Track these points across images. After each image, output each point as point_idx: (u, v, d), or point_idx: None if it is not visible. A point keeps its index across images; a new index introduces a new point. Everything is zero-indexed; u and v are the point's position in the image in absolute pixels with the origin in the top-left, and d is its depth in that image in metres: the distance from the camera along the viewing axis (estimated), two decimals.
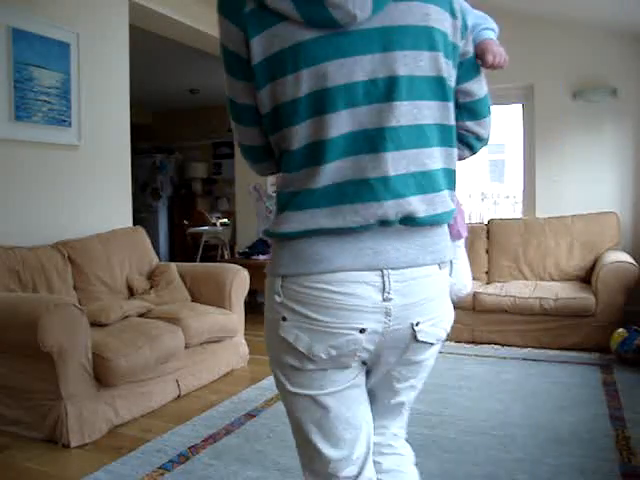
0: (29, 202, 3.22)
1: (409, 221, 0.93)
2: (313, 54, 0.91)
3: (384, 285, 0.93)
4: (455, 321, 3.62)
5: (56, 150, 3.37)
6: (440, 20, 0.96)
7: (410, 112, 0.93)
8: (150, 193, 7.86)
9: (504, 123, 9.78)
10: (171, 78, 6.79)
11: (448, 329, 1.06)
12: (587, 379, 3.22)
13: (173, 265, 3.66)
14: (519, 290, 4.00)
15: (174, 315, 3.08)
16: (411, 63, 0.93)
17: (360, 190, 0.92)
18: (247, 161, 1.14)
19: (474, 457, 2.28)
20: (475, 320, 4.06)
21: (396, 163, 0.92)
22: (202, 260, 7.20)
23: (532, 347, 3.87)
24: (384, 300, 0.93)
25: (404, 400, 1.12)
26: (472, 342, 4.05)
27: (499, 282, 4.37)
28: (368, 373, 1.07)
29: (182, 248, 8.10)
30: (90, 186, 3.60)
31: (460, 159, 1.12)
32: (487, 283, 4.45)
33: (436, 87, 0.96)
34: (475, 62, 1.09)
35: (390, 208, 0.91)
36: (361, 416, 1.05)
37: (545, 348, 3.83)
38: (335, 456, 1.03)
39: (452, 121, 1.01)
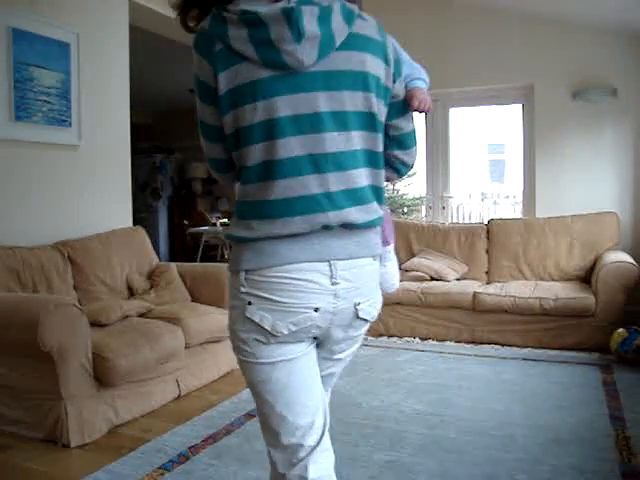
0: (29, 202, 3.22)
1: (349, 226, 1.16)
2: (267, 89, 1.10)
3: (332, 273, 1.15)
4: (455, 321, 3.61)
5: (56, 150, 3.37)
6: (374, 66, 1.16)
7: (346, 140, 1.15)
8: (150, 193, 7.86)
9: (504, 123, 9.78)
10: (171, 78, 6.79)
11: (379, 310, 1.28)
12: (587, 379, 3.22)
13: (173, 265, 3.66)
14: (519, 290, 4.00)
15: (174, 315, 3.08)
16: (347, 101, 1.14)
17: (308, 203, 1.12)
18: (213, 172, 1.35)
19: (474, 457, 2.28)
20: (475, 320, 4.06)
21: (336, 181, 1.14)
22: (202, 260, 7.20)
23: (532, 347, 3.87)
24: (332, 284, 1.15)
25: (335, 371, 1.33)
26: (472, 342, 4.05)
27: (499, 282, 4.37)
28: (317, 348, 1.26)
29: (182, 248, 8.10)
30: (90, 186, 3.60)
31: (388, 180, 1.38)
32: (487, 283, 4.45)
33: (367, 121, 1.17)
34: (404, 104, 1.29)
35: (333, 217, 1.13)
36: (318, 386, 1.23)
37: (545, 348, 3.83)
38: (301, 423, 1.18)
39: (380, 148, 1.22)
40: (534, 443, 2.39)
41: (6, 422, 2.56)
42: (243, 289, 1.16)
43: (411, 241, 4.84)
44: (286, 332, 1.14)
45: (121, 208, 3.86)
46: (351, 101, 1.14)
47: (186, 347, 3.03)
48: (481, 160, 11.82)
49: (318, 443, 1.19)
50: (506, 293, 3.97)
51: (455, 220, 7.56)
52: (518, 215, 7.63)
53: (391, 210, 7.44)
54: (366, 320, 1.23)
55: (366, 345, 4.07)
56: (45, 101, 3.24)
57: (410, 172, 7.68)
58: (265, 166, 1.13)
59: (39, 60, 3.19)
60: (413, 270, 4.50)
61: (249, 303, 1.15)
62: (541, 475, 2.12)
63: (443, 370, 3.46)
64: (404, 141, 1.33)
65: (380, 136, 1.21)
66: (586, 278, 4.22)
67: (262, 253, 1.14)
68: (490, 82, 4.92)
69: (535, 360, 3.61)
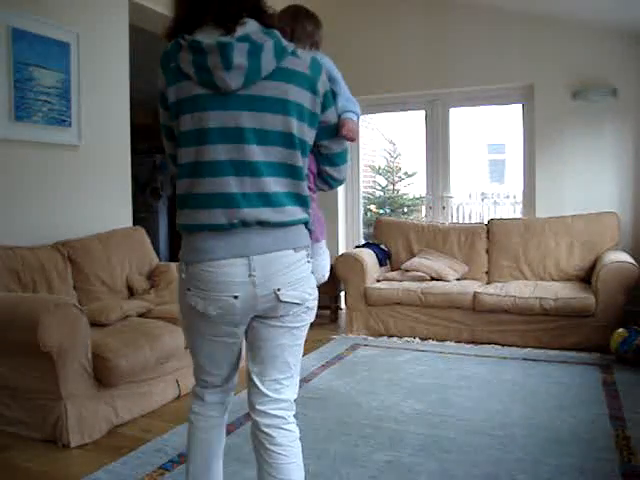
0: (29, 202, 3.22)
1: (264, 224, 1.39)
2: (202, 104, 1.37)
3: (249, 266, 1.39)
4: (455, 321, 3.62)
5: (56, 150, 3.37)
6: (298, 95, 1.40)
7: (264, 152, 1.39)
8: (150, 193, 7.85)
9: (504, 123, 9.77)
10: None
11: (313, 293, 1.52)
12: (587, 379, 3.22)
13: (173, 265, 3.66)
14: (519, 290, 4.00)
15: (174, 315, 3.07)
16: (268, 121, 1.38)
17: (227, 199, 1.37)
18: (169, 165, 1.59)
19: (474, 457, 2.28)
20: (475, 320, 4.06)
21: (251, 185, 1.38)
22: None
23: (532, 347, 3.87)
24: (249, 276, 1.40)
25: (285, 342, 1.52)
26: (472, 342, 4.05)
27: (499, 282, 4.37)
28: (252, 330, 1.52)
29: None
30: (90, 186, 3.60)
31: (322, 190, 1.68)
32: (487, 283, 4.45)
33: (284, 139, 1.40)
34: (334, 128, 1.55)
35: (247, 214, 1.37)
36: (234, 354, 1.62)
37: (545, 348, 3.83)
38: (216, 373, 1.62)
39: (299, 163, 1.43)
40: (534, 443, 2.39)
41: (6, 422, 2.56)
42: (184, 276, 1.45)
43: (411, 241, 4.84)
44: (215, 314, 1.43)
45: (121, 208, 3.86)
46: (271, 121, 1.38)
47: (186, 347, 3.03)
48: (481, 160, 11.81)
49: (224, 384, 1.66)
50: (506, 293, 3.97)
51: (455, 220, 7.56)
52: (518, 215, 7.63)
53: (391, 210, 7.45)
54: (294, 303, 1.46)
55: (366, 345, 4.07)
56: (45, 101, 3.24)
57: (410, 172, 7.70)
58: (194, 165, 1.39)
59: (39, 60, 3.19)
60: (413, 270, 4.50)
61: (188, 289, 1.44)
62: (541, 475, 2.12)
63: (443, 370, 3.46)
64: (333, 159, 1.59)
65: (299, 153, 1.43)
66: (586, 278, 4.22)
67: (195, 249, 1.42)
68: (490, 82, 4.92)
69: (535, 360, 3.61)
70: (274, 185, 1.40)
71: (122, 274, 3.45)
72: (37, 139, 3.23)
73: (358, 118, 1.61)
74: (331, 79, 1.51)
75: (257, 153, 1.38)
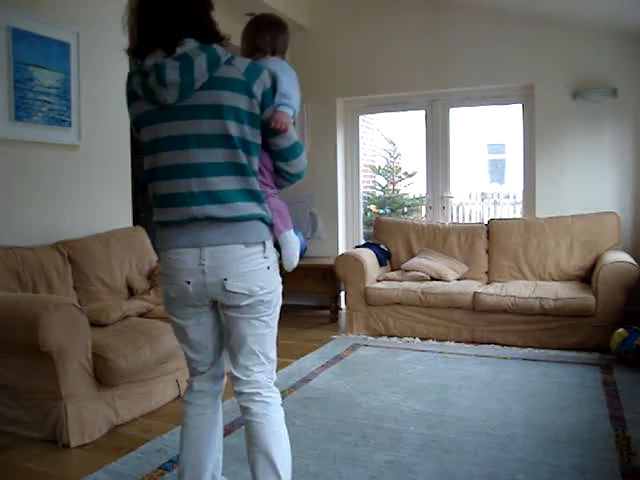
0: (29, 202, 3.22)
1: (214, 219, 1.57)
2: (150, 118, 1.59)
3: (200, 255, 1.58)
4: (455, 321, 3.62)
5: (56, 150, 3.38)
6: (233, 100, 1.55)
7: (206, 155, 1.56)
8: None
9: (504, 123, 9.77)
10: None
11: (266, 287, 1.63)
12: (587, 379, 3.22)
13: None
14: (519, 290, 4.00)
15: None
16: (206, 126, 1.55)
17: (178, 199, 1.58)
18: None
19: (474, 457, 2.28)
20: (475, 320, 4.06)
21: (198, 185, 1.56)
22: None
23: (532, 347, 3.87)
24: (199, 264, 1.58)
25: (241, 342, 1.67)
26: (472, 342, 4.05)
27: (499, 282, 4.37)
28: (224, 319, 1.70)
29: None
30: (90, 186, 3.60)
31: (281, 187, 1.81)
32: (487, 283, 4.45)
33: (224, 140, 1.56)
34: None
35: (196, 211, 1.56)
36: (209, 339, 1.76)
37: (545, 348, 3.83)
38: (196, 358, 1.77)
39: (243, 160, 1.59)
40: (534, 443, 2.40)
41: (6, 422, 2.56)
42: (159, 263, 1.73)
43: (411, 241, 4.84)
44: (174, 296, 1.65)
45: (121, 208, 3.86)
46: (209, 126, 1.55)
47: None
48: (481, 160, 11.80)
49: (207, 371, 1.78)
50: (506, 293, 3.97)
51: (455, 220, 7.57)
52: (518, 215, 7.63)
53: (391, 210, 7.44)
54: (242, 294, 1.60)
55: (366, 345, 4.07)
56: (45, 101, 3.24)
57: (410, 172, 7.70)
58: (152, 171, 1.62)
59: (39, 60, 3.19)
60: (413, 270, 4.50)
61: (162, 274, 1.68)
62: (541, 475, 2.12)
63: (443, 370, 3.46)
64: (282, 155, 1.71)
65: (240, 151, 1.58)
66: (586, 278, 4.22)
67: (163, 239, 1.65)
68: (490, 82, 4.91)
69: (535, 360, 3.61)
70: (222, 183, 1.57)
71: (122, 274, 3.45)
72: (37, 139, 3.23)
73: (294, 111, 1.72)
74: (274, 80, 1.64)
75: (200, 156, 1.56)
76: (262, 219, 1.63)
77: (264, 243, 1.63)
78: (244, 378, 1.68)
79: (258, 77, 1.59)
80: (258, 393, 1.67)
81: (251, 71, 1.59)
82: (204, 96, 1.54)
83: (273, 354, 1.73)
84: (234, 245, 1.58)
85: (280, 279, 1.73)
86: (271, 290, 1.66)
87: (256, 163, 1.63)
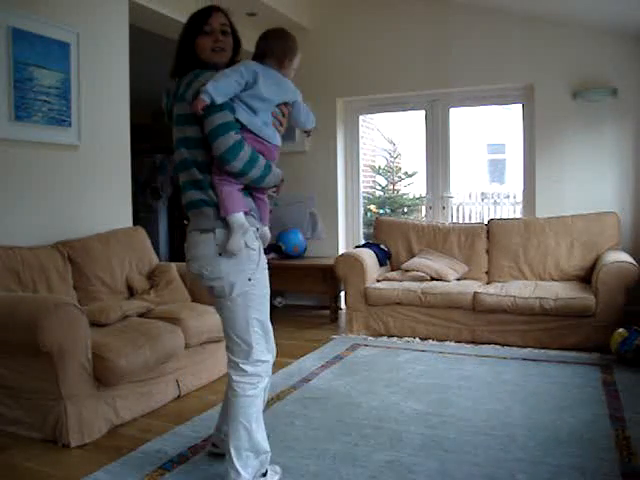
0: (29, 202, 3.22)
1: (190, 205, 1.99)
2: (175, 121, 2.03)
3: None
4: (455, 321, 3.62)
5: (56, 150, 3.37)
6: (181, 109, 1.99)
7: (188, 153, 1.95)
8: (150, 193, 7.85)
9: (504, 123, 9.77)
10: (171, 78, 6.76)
11: (214, 272, 1.91)
12: (587, 379, 3.22)
13: (173, 265, 3.66)
14: (519, 290, 4.00)
15: (174, 315, 3.08)
16: (190, 131, 1.95)
17: (185, 187, 1.98)
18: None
19: (474, 457, 2.28)
20: (475, 320, 4.06)
21: (185, 175, 1.98)
22: None
23: (532, 347, 3.87)
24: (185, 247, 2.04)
25: (225, 315, 1.99)
26: (472, 342, 4.05)
27: (499, 282, 4.37)
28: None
29: (182, 248, 8.05)
30: (90, 186, 3.60)
31: (227, 172, 1.90)
32: (487, 283, 4.45)
33: (183, 142, 1.97)
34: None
35: (186, 197, 2.00)
36: (223, 322, 2.03)
37: (545, 348, 3.83)
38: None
39: (185, 155, 1.97)
40: (534, 443, 2.40)
41: (6, 422, 2.56)
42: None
43: (411, 241, 4.84)
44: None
45: (121, 208, 3.86)
46: (191, 132, 1.94)
47: (186, 347, 3.03)
48: (481, 160, 11.80)
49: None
50: (506, 293, 3.97)
51: (455, 220, 7.56)
52: (518, 215, 7.63)
53: (391, 210, 7.44)
54: (195, 274, 1.96)
55: (366, 345, 4.07)
56: (45, 101, 3.24)
57: (410, 172, 7.70)
58: (175, 164, 2.03)
59: (39, 60, 3.19)
60: (413, 270, 4.50)
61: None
62: (541, 475, 2.12)
63: (443, 370, 3.46)
64: (208, 139, 1.88)
65: (183, 149, 1.96)
66: (586, 278, 4.22)
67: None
68: (490, 82, 4.92)
69: (535, 360, 3.61)
70: (181, 177, 2.00)
71: (122, 274, 3.44)
72: (37, 139, 3.23)
73: (210, 96, 1.85)
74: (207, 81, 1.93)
75: (185, 154, 1.95)
76: (206, 203, 1.91)
77: (214, 230, 1.90)
78: (227, 354, 2.00)
79: (190, 86, 1.94)
80: (231, 376, 1.97)
81: (189, 83, 1.96)
82: (180, 107, 2.00)
83: (249, 337, 1.95)
84: (194, 232, 1.96)
85: (245, 269, 1.90)
86: (219, 277, 1.90)
87: (199, 155, 1.92)
